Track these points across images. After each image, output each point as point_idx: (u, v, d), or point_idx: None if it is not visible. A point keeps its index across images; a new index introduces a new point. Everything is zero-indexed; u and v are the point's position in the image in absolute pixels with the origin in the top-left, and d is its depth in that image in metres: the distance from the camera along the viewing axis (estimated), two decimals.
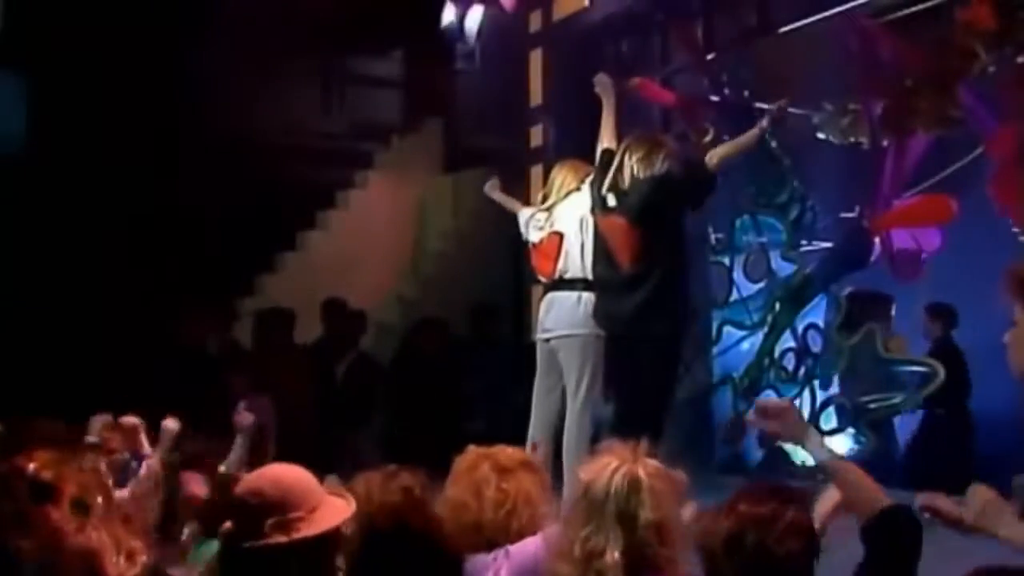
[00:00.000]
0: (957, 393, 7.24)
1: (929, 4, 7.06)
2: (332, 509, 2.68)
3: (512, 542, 3.08)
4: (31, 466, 2.81)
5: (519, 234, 6.32)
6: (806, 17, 7.77)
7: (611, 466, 2.74)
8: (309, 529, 2.60)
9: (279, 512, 2.60)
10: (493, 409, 8.21)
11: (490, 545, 3.08)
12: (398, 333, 9.30)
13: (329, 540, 2.65)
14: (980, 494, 2.56)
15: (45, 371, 7.75)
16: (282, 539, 2.57)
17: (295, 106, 10.28)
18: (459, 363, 8.75)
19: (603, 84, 6.09)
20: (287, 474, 2.74)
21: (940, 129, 7.03)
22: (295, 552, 2.59)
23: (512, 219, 6.41)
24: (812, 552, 2.50)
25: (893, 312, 7.72)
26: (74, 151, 8.78)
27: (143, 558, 2.67)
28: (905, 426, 7.64)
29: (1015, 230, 6.64)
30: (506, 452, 3.25)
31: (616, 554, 2.63)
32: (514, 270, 9.17)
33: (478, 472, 3.17)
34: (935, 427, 7.39)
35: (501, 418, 7.83)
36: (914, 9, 7.16)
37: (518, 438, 3.88)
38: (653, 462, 2.77)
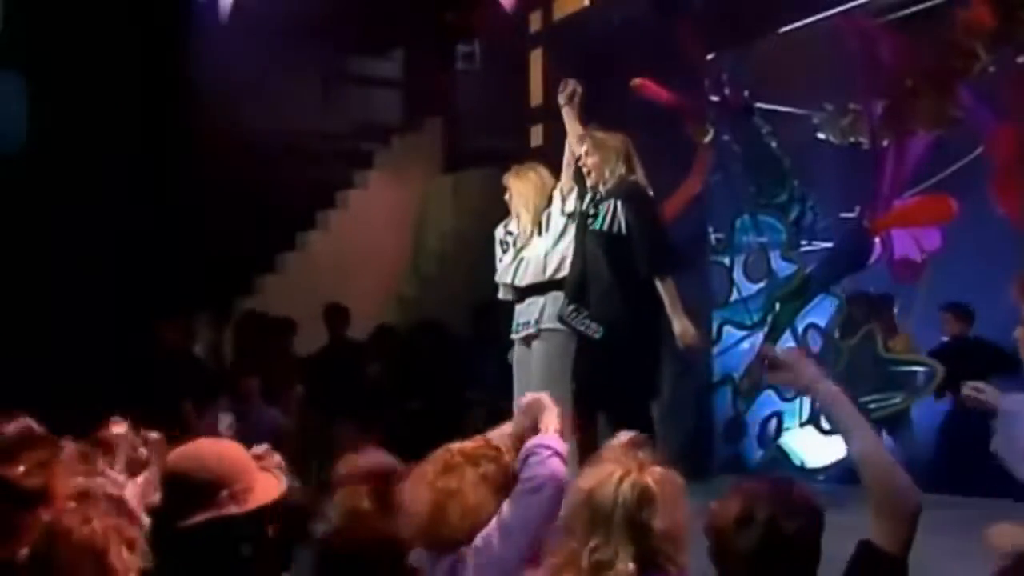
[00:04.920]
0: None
1: (929, 4, 7.06)
2: (265, 483, 2.72)
3: (453, 542, 2.96)
4: (16, 472, 2.83)
5: None
6: (806, 17, 7.76)
7: (616, 475, 2.63)
8: (255, 500, 2.64)
9: (227, 484, 2.63)
10: (493, 409, 8.20)
11: (438, 546, 2.98)
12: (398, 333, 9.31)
13: (266, 511, 2.69)
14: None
15: (43, 370, 7.74)
16: (235, 509, 2.60)
17: (295, 106, 10.26)
18: (458, 363, 8.75)
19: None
20: (218, 450, 2.78)
21: (940, 129, 7.03)
22: (247, 522, 2.62)
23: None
24: (819, 529, 2.52)
25: (895, 311, 7.73)
26: (74, 151, 8.76)
27: (143, 547, 2.68)
28: (919, 426, 7.63)
29: (1015, 230, 6.65)
30: (451, 449, 3.16)
31: (629, 564, 2.54)
32: None
33: (418, 475, 3.10)
34: (952, 426, 7.40)
35: (501, 418, 7.81)
36: (914, 9, 7.16)
37: None
38: (658, 468, 2.67)
